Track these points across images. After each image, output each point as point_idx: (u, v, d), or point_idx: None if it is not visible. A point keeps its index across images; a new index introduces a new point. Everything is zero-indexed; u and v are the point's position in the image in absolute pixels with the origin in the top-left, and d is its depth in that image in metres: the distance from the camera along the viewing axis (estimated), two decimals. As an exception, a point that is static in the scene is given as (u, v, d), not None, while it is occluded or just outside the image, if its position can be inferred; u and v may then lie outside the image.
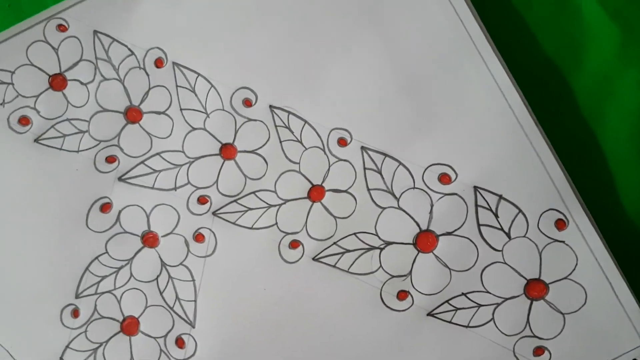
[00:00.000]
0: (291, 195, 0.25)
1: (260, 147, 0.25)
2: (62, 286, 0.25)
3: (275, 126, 0.26)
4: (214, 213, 0.26)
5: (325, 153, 0.25)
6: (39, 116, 0.25)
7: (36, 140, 0.25)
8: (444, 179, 0.25)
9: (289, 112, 0.25)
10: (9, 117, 0.25)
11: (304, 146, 0.25)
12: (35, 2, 0.26)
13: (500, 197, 0.24)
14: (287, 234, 0.25)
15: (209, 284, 0.25)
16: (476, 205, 0.25)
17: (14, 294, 0.25)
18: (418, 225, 0.25)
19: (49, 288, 0.25)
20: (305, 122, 0.25)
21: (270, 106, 0.26)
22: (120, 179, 0.25)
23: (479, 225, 0.24)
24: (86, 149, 0.25)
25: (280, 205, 0.26)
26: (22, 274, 0.25)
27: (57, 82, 0.25)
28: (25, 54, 0.25)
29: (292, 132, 0.25)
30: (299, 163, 0.25)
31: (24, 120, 0.25)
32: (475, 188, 0.24)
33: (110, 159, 0.25)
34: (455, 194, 0.25)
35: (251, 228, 0.25)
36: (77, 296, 0.25)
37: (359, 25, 0.25)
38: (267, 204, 0.26)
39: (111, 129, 0.25)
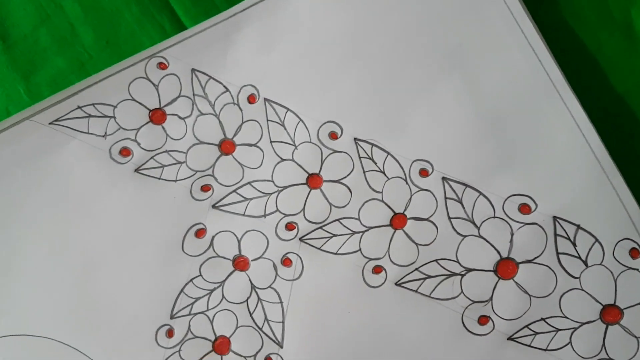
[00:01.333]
0: (374, 223, 0.27)
1: (345, 177, 0.27)
2: (159, 308, 0.27)
3: (360, 157, 0.27)
4: (300, 239, 0.27)
5: (407, 183, 0.27)
6: (139, 148, 0.27)
7: (136, 170, 0.27)
8: (524, 209, 0.26)
9: (373, 144, 0.27)
10: (111, 149, 0.27)
11: (387, 176, 0.27)
12: (131, 40, 0.28)
13: (578, 227, 0.26)
14: (371, 259, 0.27)
15: (296, 306, 0.27)
16: (555, 235, 0.26)
17: (113, 317, 0.27)
18: (499, 252, 0.26)
19: (146, 310, 0.27)
20: (388, 153, 0.27)
21: (355, 139, 0.27)
22: (214, 206, 0.27)
23: (557, 253, 0.26)
24: (183, 179, 0.27)
25: (363, 232, 0.27)
26: (122, 297, 0.27)
27: (157, 116, 0.27)
28: (127, 89, 0.27)
29: (375, 163, 0.27)
30: (381, 192, 0.27)
31: (125, 152, 0.27)
32: (555, 218, 0.26)
33: (205, 188, 0.27)
34: (535, 223, 0.26)
35: (336, 253, 0.27)
36: (172, 317, 0.27)
37: (443, 67, 0.26)
38: (351, 230, 0.27)
39: (206, 160, 0.27)
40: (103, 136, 0.27)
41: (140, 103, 0.27)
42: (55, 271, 0.26)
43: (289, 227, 0.27)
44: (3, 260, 0.26)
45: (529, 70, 0.26)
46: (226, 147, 0.27)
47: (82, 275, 0.27)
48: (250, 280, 0.27)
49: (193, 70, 0.27)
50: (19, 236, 0.27)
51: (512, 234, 0.26)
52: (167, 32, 0.28)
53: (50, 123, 0.27)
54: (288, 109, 0.27)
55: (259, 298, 0.27)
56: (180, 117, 0.27)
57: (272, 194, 0.27)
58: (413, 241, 0.27)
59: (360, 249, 0.27)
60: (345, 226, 0.27)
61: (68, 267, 0.26)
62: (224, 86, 0.27)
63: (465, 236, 0.26)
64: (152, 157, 0.27)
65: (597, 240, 0.26)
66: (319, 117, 0.27)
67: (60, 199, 0.27)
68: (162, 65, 0.27)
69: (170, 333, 0.27)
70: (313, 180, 0.27)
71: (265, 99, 0.27)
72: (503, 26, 0.26)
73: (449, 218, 0.27)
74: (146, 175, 0.27)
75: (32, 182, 0.27)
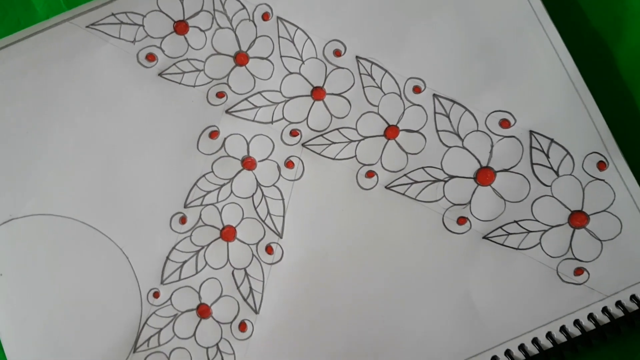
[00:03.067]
0: (370, 133, 0.30)
1: (346, 91, 0.30)
2: (174, 197, 0.30)
3: (360, 74, 0.30)
4: (303, 144, 0.30)
5: (401, 98, 0.30)
6: (163, 54, 0.30)
7: (160, 75, 0.30)
8: (504, 123, 0.29)
9: (372, 62, 0.30)
10: (138, 54, 0.30)
11: (383, 92, 0.30)
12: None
13: (552, 140, 0.29)
14: (364, 165, 0.30)
15: (296, 203, 0.30)
16: (531, 147, 0.29)
17: (132, 203, 0.30)
18: (479, 162, 0.29)
19: (162, 199, 0.30)
20: (386, 71, 0.30)
21: (357, 57, 0.30)
22: (227, 111, 0.30)
23: (532, 163, 0.29)
24: (201, 85, 0.30)
25: (359, 140, 0.30)
26: (141, 186, 0.30)
27: (181, 27, 0.30)
28: (156, 2, 0.30)
29: (374, 80, 0.30)
30: (378, 106, 0.30)
31: (151, 57, 0.30)
32: (531, 132, 0.29)
33: (220, 95, 0.30)
34: (514, 136, 0.29)
35: (334, 159, 0.30)
36: (185, 206, 0.30)
37: None
38: (349, 139, 0.30)
39: (222, 69, 0.30)
40: (132, 42, 0.30)
41: (166, 14, 0.30)
42: (82, 159, 0.30)
43: (293, 133, 0.30)
44: (36, 145, 0.30)
45: (515, 2, 0.29)
46: (240, 59, 0.31)
47: (106, 164, 0.30)
48: (256, 178, 0.30)
49: (215, -13, 0.31)
50: (51, 124, 0.30)
51: (492, 146, 0.29)
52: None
53: (86, 26, 0.30)
54: (298, 27, 0.30)
55: (263, 194, 0.30)
56: (201, 30, 0.30)
57: (279, 103, 0.30)
58: (403, 150, 0.30)
59: (355, 156, 0.30)
60: (343, 135, 0.30)
61: (93, 156, 0.30)
62: (241, 3, 0.30)
63: (450, 147, 0.29)
64: (174, 64, 0.30)
65: (568, 153, 0.29)
66: (325, 35, 0.30)
67: (91, 95, 0.30)
68: (188, -18, 0.31)
69: (183, 220, 0.30)
70: (317, 93, 0.30)
71: (278, 17, 0.30)
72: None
73: (437, 131, 0.30)
74: (168, 79, 0.30)
75: (67, 78, 0.30)
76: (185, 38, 0.31)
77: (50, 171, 0.30)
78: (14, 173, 0.30)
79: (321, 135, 0.30)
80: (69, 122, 0.30)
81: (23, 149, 0.30)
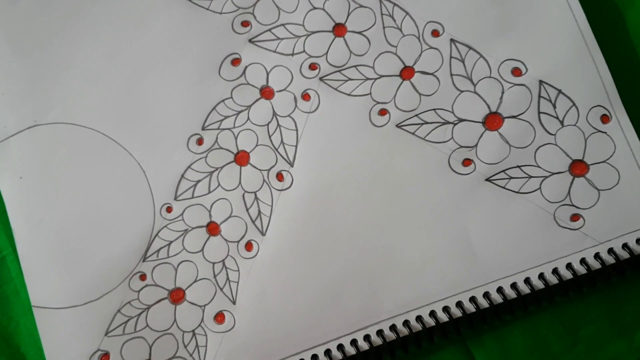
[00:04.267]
0: (386, 72, 0.31)
1: (367, 30, 0.31)
2: (192, 119, 0.31)
3: (382, 14, 0.31)
4: (320, 78, 0.31)
5: (419, 40, 0.31)
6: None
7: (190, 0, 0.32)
8: (515, 72, 0.30)
9: (394, 4, 0.31)
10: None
11: (403, 33, 0.31)
12: None
13: (560, 91, 0.30)
14: (378, 103, 0.31)
15: (309, 135, 0.31)
16: (539, 96, 0.30)
17: (153, 119, 0.31)
18: (489, 107, 0.30)
19: (181, 118, 0.31)
20: (407, 13, 0.31)
21: (380, -2, 0.31)
22: (250, 40, 0.31)
23: (539, 112, 0.30)
24: (227, 12, 0.31)
25: (375, 79, 0.31)
26: (163, 104, 0.31)
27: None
28: None
29: (395, 21, 0.31)
30: (396, 46, 0.31)
31: (182, -18, 0.31)
32: (540, 82, 0.30)
33: (245, 24, 0.31)
34: (524, 85, 0.30)
35: (349, 94, 0.31)
36: (203, 128, 0.31)
37: None
38: (365, 76, 0.31)
39: (248, 1, 0.31)
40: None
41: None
42: (107, 72, 0.31)
43: (312, 67, 0.31)
44: (65, 55, 0.31)
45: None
46: (268, -10, 0.32)
47: (130, 79, 0.31)
48: (273, 107, 0.31)
49: None
50: (81, 36, 0.31)
51: (502, 93, 0.30)
52: None
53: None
54: (325, -35, 0.32)
55: (278, 124, 0.31)
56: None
57: (301, 36, 0.31)
58: (417, 91, 0.31)
59: (370, 93, 0.31)
60: (360, 72, 0.31)
61: (119, 70, 0.31)
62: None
63: (462, 91, 0.30)
64: (204, -11, 0.32)
65: (574, 104, 0.30)
66: (351, -25, 0.32)
67: (121, 11, 0.31)
68: None
69: (200, 141, 0.31)
70: (338, 29, 0.31)
71: (308, -46, 0.32)
72: None
73: (451, 75, 0.31)
74: (196, 3, 0.31)
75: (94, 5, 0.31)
76: (216, -35, 0.32)
77: (76, 82, 0.31)
78: (42, 81, 0.31)
79: (339, 70, 0.31)
80: (98, 35, 0.31)
81: (52, 58, 0.31)
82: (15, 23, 0.31)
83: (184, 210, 0.31)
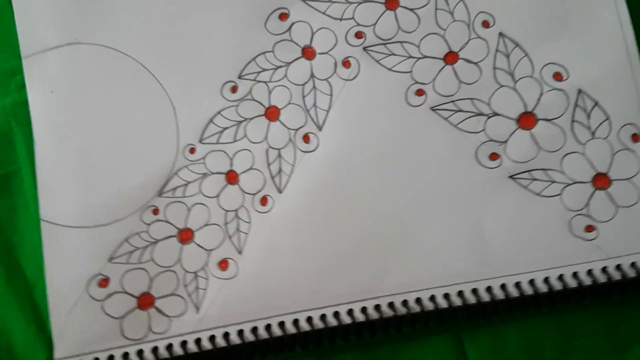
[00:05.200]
0: (431, 54, 0.31)
1: (419, 8, 0.31)
2: (231, 65, 0.31)
3: (436, -4, 0.31)
4: (364, 48, 0.31)
5: (469, 28, 0.31)
6: None
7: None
8: (557, 76, 0.30)
9: (450, -11, 0.31)
10: None
11: (454, 18, 0.31)
12: None
13: (597, 103, 0.30)
14: (417, 82, 0.31)
15: (343, 102, 0.31)
16: (575, 104, 0.30)
17: (192, 59, 0.31)
18: (525, 106, 0.30)
19: (220, 64, 0.31)
20: (461, 0, 0.31)
21: (437, -20, 0.31)
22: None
23: (573, 120, 0.30)
24: (285, -34, 0.31)
25: (419, 58, 0.31)
26: (204, 47, 0.31)
27: None
28: None
29: (448, 4, 0.31)
30: (445, 30, 0.31)
31: None
32: (579, 91, 0.30)
33: (300, -19, 0.31)
34: (563, 90, 0.30)
35: (390, 69, 0.31)
36: (239, 77, 0.31)
37: None
38: (409, 54, 0.31)
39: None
40: None
41: None
42: (156, 3, 0.30)
43: (358, 35, 0.31)
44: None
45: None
46: (328, -48, 0.32)
47: (177, 15, 0.31)
48: (312, 69, 0.31)
49: None
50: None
51: (541, 94, 0.30)
52: None
53: None
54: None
55: (314, 86, 0.31)
56: None
57: (353, 3, 0.31)
58: (458, 78, 0.31)
59: (411, 72, 0.31)
60: (405, 49, 0.31)
61: (168, 4, 0.31)
62: None
63: (502, 86, 0.30)
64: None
65: (608, 118, 0.30)
66: (413, -48, 0.31)
67: None
68: None
69: (234, 89, 0.31)
70: (391, 3, 0.31)
71: None
72: None
73: (494, 67, 0.31)
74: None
75: None
76: None
77: (124, 8, 0.31)
78: (90, 0, 0.31)
79: (384, 44, 0.31)
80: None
81: None
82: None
83: (206, 154, 0.31)
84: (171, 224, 0.30)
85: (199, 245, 0.30)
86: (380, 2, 0.31)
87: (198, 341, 0.29)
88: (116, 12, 0.31)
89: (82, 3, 0.31)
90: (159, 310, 0.29)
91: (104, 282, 0.29)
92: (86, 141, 0.30)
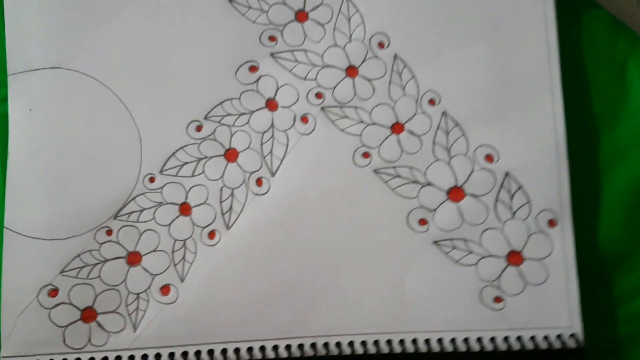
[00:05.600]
0: (379, 121, 0.34)
1: (375, 79, 0.34)
2: (199, 106, 0.33)
3: (392, 70, 0.34)
4: (322, 108, 0.34)
5: (416, 104, 0.34)
6: (238, -14, 0.34)
7: (230, 1, 0.34)
8: (489, 158, 0.34)
9: (405, 65, 0.34)
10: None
11: (404, 93, 0.34)
12: None
13: (520, 187, 0.33)
14: (365, 145, 0.34)
15: (297, 153, 0.34)
16: (501, 185, 0.33)
17: (164, 95, 0.33)
18: (456, 180, 0.33)
19: (189, 102, 0.33)
20: (414, 76, 0.34)
21: (395, 54, 0.34)
22: (272, 54, 0.34)
23: (497, 199, 0.33)
24: (260, 24, 0.34)
25: (369, 124, 0.34)
26: (177, 84, 0.33)
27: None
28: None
29: (401, 79, 0.34)
30: (395, 102, 0.34)
31: (228, -15, 0.34)
32: (507, 173, 0.33)
33: (272, 38, 0.34)
34: (492, 171, 0.33)
35: (342, 130, 0.34)
36: (205, 117, 0.33)
37: (479, 34, 0.34)
38: (361, 119, 0.34)
39: (282, 18, 0.34)
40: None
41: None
42: (140, 39, 0.33)
43: (318, 95, 0.34)
44: (108, 10, 0.33)
45: (536, 66, 0.34)
46: (301, 16, 0.34)
47: (156, 53, 0.33)
48: (273, 119, 0.34)
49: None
50: (126, 4, 0.33)
51: (472, 172, 0.33)
52: None
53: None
54: (358, 10, 0.34)
55: (273, 135, 0.34)
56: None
57: (317, 66, 0.34)
58: (401, 146, 0.34)
59: (361, 135, 0.34)
60: (358, 114, 0.34)
61: (150, 41, 0.33)
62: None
63: (438, 159, 0.34)
64: (245, -2, 0.34)
65: (529, 201, 0.33)
66: (377, 26, 0.34)
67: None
68: None
69: (199, 128, 0.33)
70: (351, 71, 0.34)
71: (345, -4, 0.35)
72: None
73: (434, 142, 0.34)
74: (236, 7, 0.34)
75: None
76: (260, -20, 0.35)
77: (109, 39, 0.33)
78: (77, 27, 0.33)
79: (340, 106, 0.34)
80: (138, 7, 0.33)
81: (96, 8, 0.33)
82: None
83: (164, 185, 0.33)
84: (122, 245, 0.33)
85: (145, 269, 0.33)
86: (341, 69, 0.35)
87: (131, 358, 0.32)
88: (99, 43, 0.33)
89: (69, 30, 0.34)
90: (100, 325, 0.32)
91: (54, 292, 0.32)
92: (55, 158, 0.33)
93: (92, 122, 0.33)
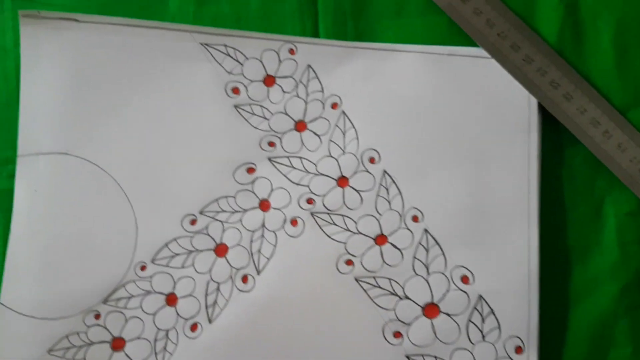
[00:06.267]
0: (365, 232, 0.36)
1: (364, 191, 0.36)
2: (195, 201, 0.35)
3: (380, 184, 0.36)
4: (312, 213, 0.36)
5: (400, 218, 0.36)
6: (246, 93, 0.36)
7: (235, 106, 0.36)
8: (464, 279, 0.35)
9: (393, 181, 0.36)
10: (228, 83, 0.36)
11: (390, 207, 0.36)
12: (277, 21, 0.37)
13: (492, 311, 0.35)
14: (349, 254, 0.35)
15: (284, 253, 0.35)
16: (474, 307, 0.35)
17: (163, 187, 0.35)
18: (432, 297, 0.35)
19: (186, 196, 0.35)
20: (399, 192, 0.36)
21: (384, 170, 0.36)
22: (269, 158, 0.36)
23: (469, 320, 0.35)
24: (261, 130, 0.36)
25: (354, 233, 0.36)
26: (176, 179, 0.35)
27: (269, 80, 0.36)
28: (261, 52, 0.36)
29: (388, 194, 0.36)
30: (381, 215, 0.36)
31: (236, 90, 0.36)
32: (480, 296, 0.35)
33: (271, 144, 0.36)
34: (466, 292, 0.35)
35: (329, 236, 0.36)
36: (200, 212, 0.35)
37: (461, 161, 0.35)
38: (347, 228, 0.36)
39: (282, 126, 0.36)
40: (228, 72, 0.36)
41: (263, 66, 0.37)
42: (147, 132, 0.35)
43: (309, 201, 0.36)
44: (120, 101, 0.35)
45: (516, 195, 0.35)
46: (300, 126, 0.36)
47: (161, 148, 0.35)
48: (264, 219, 0.36)
49: (309, 65, 0.37)
50: (131, 97, 0.35)
51: (447, 290, 0.35)
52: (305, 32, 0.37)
53: (201, 43, 0.36)
54: (353, 126, 0.36)
55: (262, 234, 0.36)
56: (283, 90, 0.37)
57: (310, 173, 0.36)
58: (382, 258, 0.35)
59: (346, 243, 0.36)
60: (345, 222, 0.36)
61: (156, 135, 0.35)
62: (322, 87, 0.36)
63: (417, 275, 0.35)
64: (250, 104, 0.36)
65: (499, 326, 0.34)
66: (370, 142, 0.36)
67: (175, 93, 0.36)
68: (291, 51, 0.37)
69: (193, 222, 0.35)
70: (342, 181, 0.36)
71: (343, 111, 0.36)
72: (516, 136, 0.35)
73: (414, 257, 0.35)
74: (240, 113, 0.36)
75: (163, 71, 0.35)
76: (268, 90, 0.37)
77: (118, 129, 0.35)
78: (89, 115, 0.35)
79: (329, 213, 0.36)
80: (147, 103, 0.35)
81: (110, 97, 0.35)
82: (86, 52, 0.36)
83: (154, 274, 0.35)
84: (108, 330, 0.34)
85: (127, 355, 0.34)
86: (333, 178, 0.36)
87: None
88: (107, 134, 0.36)
89: (79, 120, 0.36)
90: (77, 409, 0.33)
91: (37, 370, 0.33)
92: (54, 241, 0.35)
93: (93, 208, 0.35)
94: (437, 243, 0.36)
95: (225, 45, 0.37)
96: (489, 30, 0.37)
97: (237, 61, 0.37)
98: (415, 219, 0.36)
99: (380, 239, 0.36)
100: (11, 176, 0.36)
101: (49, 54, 0.36)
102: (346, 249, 0.36)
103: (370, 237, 0.36)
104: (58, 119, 0.36)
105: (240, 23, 0.37)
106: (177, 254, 0.36)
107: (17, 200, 0.35)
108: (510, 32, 0.37)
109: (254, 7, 0.37)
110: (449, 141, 0.36)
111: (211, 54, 0.37)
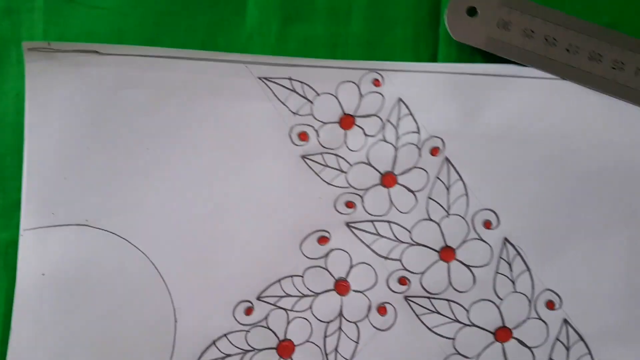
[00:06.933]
0: (480, 323, 0.26)
1: (477, 267, 0.27)
2: (251, 284, 0.26)
3: (499, 258, 0.27)
4: (406, 297, 0.27)
5: (529, 305, 0.27)
6: (316, 139, 0.27)
7: (303, 157, 0.27)
8: (549, 304, 0.26)
9: (517, 253, 0.27)
10: (294, 127, 0.27)
11: (515, 288, 0.27)
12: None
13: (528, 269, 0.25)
14: (459, 354, 0.26)
15: (370, 355, 0.26)
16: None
17: (207, 269, 0.26)
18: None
19: (239, 278, 0.26)
20: (528, 269, 0.27)
21: (506, 239, 0.27)
22: (347, 224, 0.27)
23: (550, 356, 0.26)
24: (337, 186, 0.27)
25: (465, 325, 0.26)
26: (225, 257, 0.26)
27: (347, 121, 0.28)
28: (336, 86, 0.28)
29: (511, 271, 0.27)
30: (502, 299, 0.27)
31: (303, 136, 0.27)
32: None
33: (350, 205, 0.27)
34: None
35: (430, 329, 0.26)
36: (257, 298, 0.26)
37: None
38: (456, 318, 0.26)
39: (365, 181, 0.27)
40: (294, 113, 0.28)
41: (339, 102, 0.28)
42: (187, 202, 0.27)
43: (402, 281, 0.27)
44: (150, 161, 0.27)
45: None
46: (388, 180, 0.28)
47: (207, 218, 0.27)
48: (341, 306, 0.27)
49: (399, 99, 0.28)
50: (174, 151, 0.27)
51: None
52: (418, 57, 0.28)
53: (258, 77, 0.28)
54: (460, 177, 0.27)
55: (340, 327, 0.27)
56: (365, 133, 0.28)
57: (404, 243, 0.27)
58: (506, 359, 0.27)
59: (454, 340, 0.26)
60: (452, 310, 0.27)
61: (199, 204, 0.27)
62: (417, 126, 0.27)
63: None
64: (321, 153, 0.28)
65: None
66: (482, 201, 0.27)
67: (226, 149, 0.27)
68: (376, 82, 0.28)
69: (249, 311, 0.27)
70: (446, 253, 0.28)
71: (447, 158, 0.27)
72: None
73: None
74: (309, 165, 0.27)
75: (209, 119, 0.27)
76: (346, 134, 0.28)
77: (144, 199, 0.27)
78: (112, 179, 0.27)
79: (430, 298, 0.27)
80: (189, 157, 0.27)
81: (135, 156, 0.27)
82: (110, 93, 0.28)
83: (197, 382, 0.27)
84: None
85: None
86: (434, 250, 0.28)
87: None
88: (137, 199, 0.27)
89: (101, 181, 0.27)
90: None
91: None
92: (67, 342, 0.26)
93: (118, 294, 0.26)
94: (582, 339, 0.27)
95: (290, 79, 0.28)
96: (553, 49, 0.27)
97: (306, 98, 0.28)
98: (550, 305, 0.27)
99: (503, 334, 0.27)
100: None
101: (62, 97, 0.27)
102: (455, 348, 0.27)
103: (489, 331, 0.27)
104: (74, 181, 0.27)
105: (337, 50, 0.28)
106: (228, 355, 0.27)
107: (20, 286, 0.27)
108: (579, 39, 0.27)
109: (356, 30, 0.28)
110: (598, 199, 0.27)
111: (272, 91, 0.28)
